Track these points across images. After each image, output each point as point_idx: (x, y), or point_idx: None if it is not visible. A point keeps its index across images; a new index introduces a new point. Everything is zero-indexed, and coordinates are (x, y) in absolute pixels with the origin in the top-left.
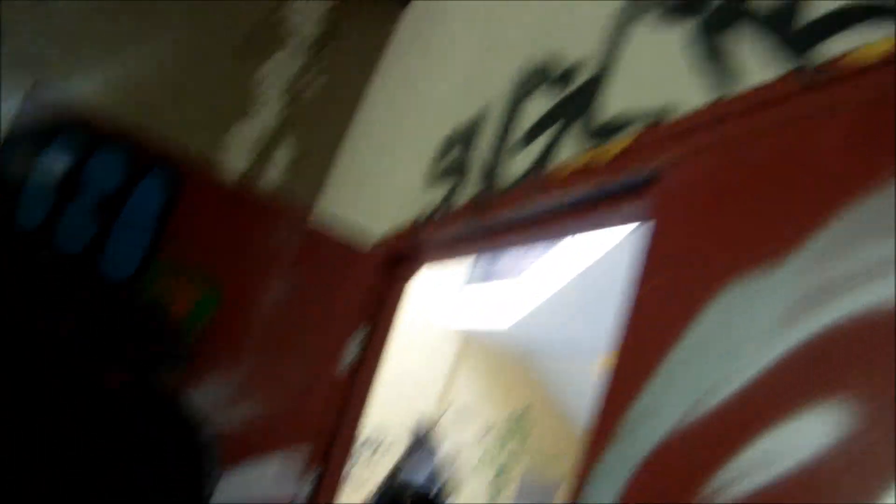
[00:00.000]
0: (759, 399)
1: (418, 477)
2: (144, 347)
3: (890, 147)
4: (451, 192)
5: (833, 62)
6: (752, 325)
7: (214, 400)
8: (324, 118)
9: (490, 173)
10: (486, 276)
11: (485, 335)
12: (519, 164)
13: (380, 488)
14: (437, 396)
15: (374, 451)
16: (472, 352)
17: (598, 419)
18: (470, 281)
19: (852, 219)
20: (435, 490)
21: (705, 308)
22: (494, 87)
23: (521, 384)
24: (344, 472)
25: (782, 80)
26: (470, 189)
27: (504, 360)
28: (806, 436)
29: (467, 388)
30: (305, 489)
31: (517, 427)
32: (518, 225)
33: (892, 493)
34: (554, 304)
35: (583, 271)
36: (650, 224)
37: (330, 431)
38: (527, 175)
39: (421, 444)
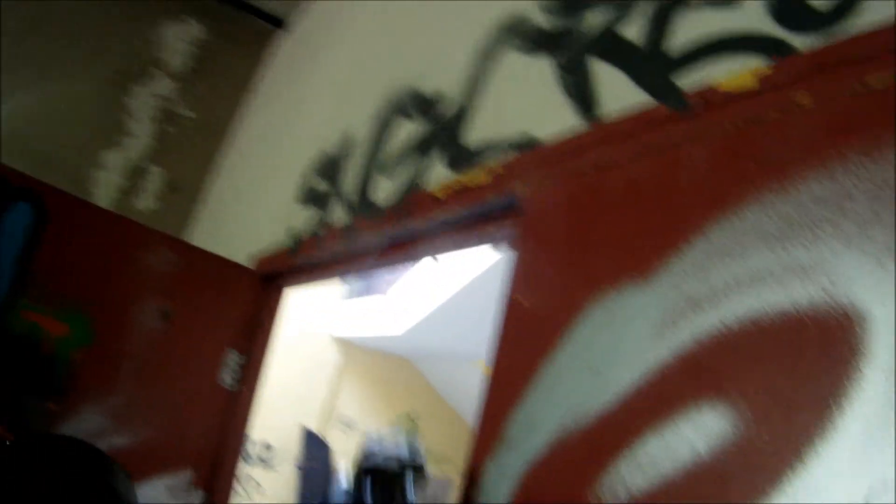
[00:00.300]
0: (638, 405)
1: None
2: (17, 381)
3: (752, 171)
4: (323, 214)
5: (699, 92)
6: (624, 338)
7: (92, 428)
8: (196, 143)
9: (360, 197)
10: (368, 290)
11: (372, 343)
12: (387, 187)
13: None
14: (325, 404)
15: (266, 464)
16: (360, 359)
17: (481, 425)
18: (352, 294)
19: (715, 237)
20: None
21: (574, 323)
22: (363, 112)
23: (411, 387)
24: (232, 490)
25: (647, 109)
26: (340, 212)
27: (393, 365)
28: (684, 438)
29: (355, 394)
30: None
31: (409, 428)
32: (387, 247)
33: (776, 491)
34: (444, 311)
35: (474, 279)
36: (516, 245)
37: (213, 452)
38: (395, 199)
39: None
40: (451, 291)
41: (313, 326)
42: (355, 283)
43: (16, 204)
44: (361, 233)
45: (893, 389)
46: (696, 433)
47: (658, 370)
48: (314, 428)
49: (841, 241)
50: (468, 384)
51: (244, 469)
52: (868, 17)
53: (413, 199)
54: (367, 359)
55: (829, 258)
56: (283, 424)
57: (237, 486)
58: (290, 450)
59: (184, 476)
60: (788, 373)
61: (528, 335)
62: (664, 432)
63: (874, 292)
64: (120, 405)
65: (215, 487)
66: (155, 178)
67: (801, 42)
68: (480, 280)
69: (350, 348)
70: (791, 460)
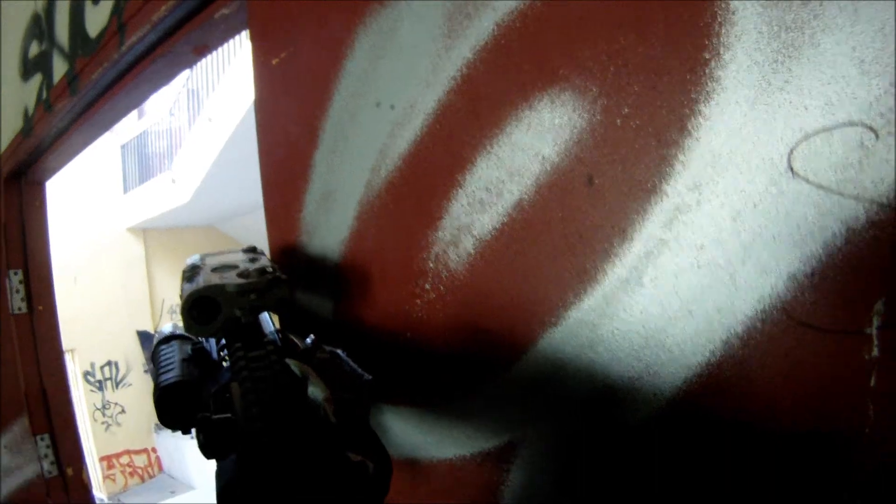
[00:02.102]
0: (453, 128)
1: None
2: None
3: None
4: (46, 77)
5: None
6: (409, 55)
7: None
8: None
9: (75, 38)
10: (148, 174)
11: (168, 221)
12: (97, 13)
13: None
14: (148, 298)
15: (115, 383)
16: (164, 242)
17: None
18: (131, 184)
19: None
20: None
21: (343, 64)
22: None
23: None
24: (77, 422)
25: None
26: (60, 64)
27: (199, 237)
28: (523, 147)
29: (174, 277)
30: (46, 459)
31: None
32: (120, 77)
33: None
34: (220, 165)
35: (237, 126)
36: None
37: (37, 389)
38: (106, 20)
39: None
40: (219, 145)
41: (105, 226)
42: (133, 171)
43: None
44: (85, 75)
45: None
46: (537, 136)
47: (463, 78)
48: (149, 327)
49: None
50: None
51: (97, 398)
52: None
53: (124, 8)
54: (170, 239)
55: None
56: (114, 337)
57: (91, 417)
58: (135, 359)
59: (19, 427)
60: (641, 34)
61: (294, 97)
62: (494, 149)
63: None
64: None
65: (57, 426)
66: None
67: None
68: (244, 125)
69: (150, 235)
70: (669, 133)
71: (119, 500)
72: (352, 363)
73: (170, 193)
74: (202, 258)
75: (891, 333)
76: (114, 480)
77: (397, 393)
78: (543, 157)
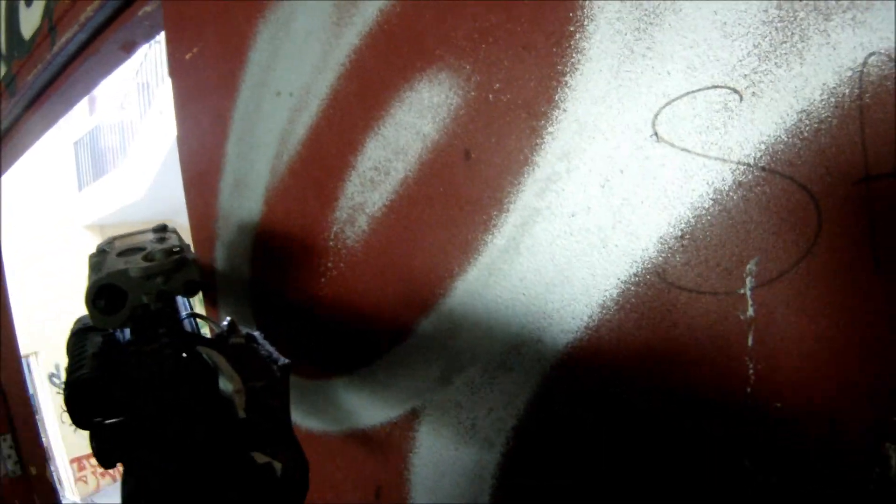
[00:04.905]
0: (344, 112)
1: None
2: None
3: None
4: None
5: None
6: (302, 43)
7: None
8: None
9: (11, 41)
10: (101, 171)
11: (124, 216)
12: (30, 15)
13: None
14: None
15: None
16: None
17: (192, 215)
18: (85, 181)
19: None
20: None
21: (247, 56)
22: None
23: None
24: (39, 421)
25: None
26: (2, 68)
27: (149, 226)
28: (406, 125)
29: None
30: (9, 459)
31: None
32: (56, 76)
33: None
34: (173, 159)
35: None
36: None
37: None
38: (39, 21)
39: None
40: (172, 138)
41: (62, 225)
42: (85, 168)
43: None
44: (21, 76)
45: None
46: (418, 115)
47: (352, 64)
48: None
49: None
50: None
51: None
52: None
53: (54, 10)
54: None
55: None
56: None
57: (59, 419)
58: None
59: None
60: (509, 12)
61: (206, 89)
62: (381, 130)
63: None
64: None
65: (18, 426)
66: None
67: None
68: None
69: (108, 231)
70: (538, 106)
71: (92, 501)
72: (268, 346)
73: (124, 189)
74: (111, 241)
75: (764, 293)
76: (86, 482)
77: (308, 370)
78: (424, 135)
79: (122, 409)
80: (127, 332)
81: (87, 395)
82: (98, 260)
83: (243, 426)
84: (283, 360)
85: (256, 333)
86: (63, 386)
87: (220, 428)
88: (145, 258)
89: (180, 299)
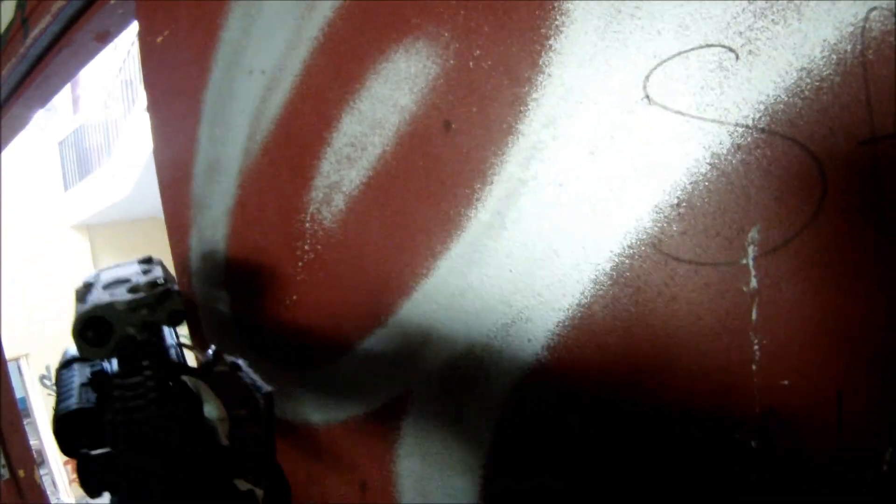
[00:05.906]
0: (318, 88)
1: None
2: None
3: None
4: None
5: None
6: (271, 23)
7: None
8: None
9: None
10: (84, 171)
11: (112, 215)
12: (6, 8)
13: None
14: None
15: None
16: (109, 237)
17: (167, 210)
18: (71, 181)
19: None
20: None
21: (218, 37)
22: None
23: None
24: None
25: None
26: None
27: (146, 228)
28: (383, 98)
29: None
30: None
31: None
32: (31, 69)
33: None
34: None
35: None
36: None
37: None
38: (13, 14)
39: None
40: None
41: (49, 226)
42: (71, 168)
43: None
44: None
45: None
46: (394, 87)
47: (326, 37)
48: None
49: None
50: None
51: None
52: None
53: (27, 2)
54: (115, 234)
55: None
56: (67, 339)
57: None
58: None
59: None
60: None
61: (178, 73)
62: (357, 104)
63: None
64: None
65: (5, 429)
66: None
67: None
68: None
69: (95, 231)
70: (521, 71)
71: (86, 503)
72: (252, 374)
73: (110, 187)
74: (97, 274)
75: (768, 262)
76: None
77: (287, 359)
78: (402, 107)
79: (107, 440)
80: (115, 362)
81: (74, 426)
82: (84, 293)
83: (226, 454)
84: (265, 388)
85: (241, 361)
86: (51, 419)
87: (203, 456)
88: (131, 290)
89: (166, 328)
